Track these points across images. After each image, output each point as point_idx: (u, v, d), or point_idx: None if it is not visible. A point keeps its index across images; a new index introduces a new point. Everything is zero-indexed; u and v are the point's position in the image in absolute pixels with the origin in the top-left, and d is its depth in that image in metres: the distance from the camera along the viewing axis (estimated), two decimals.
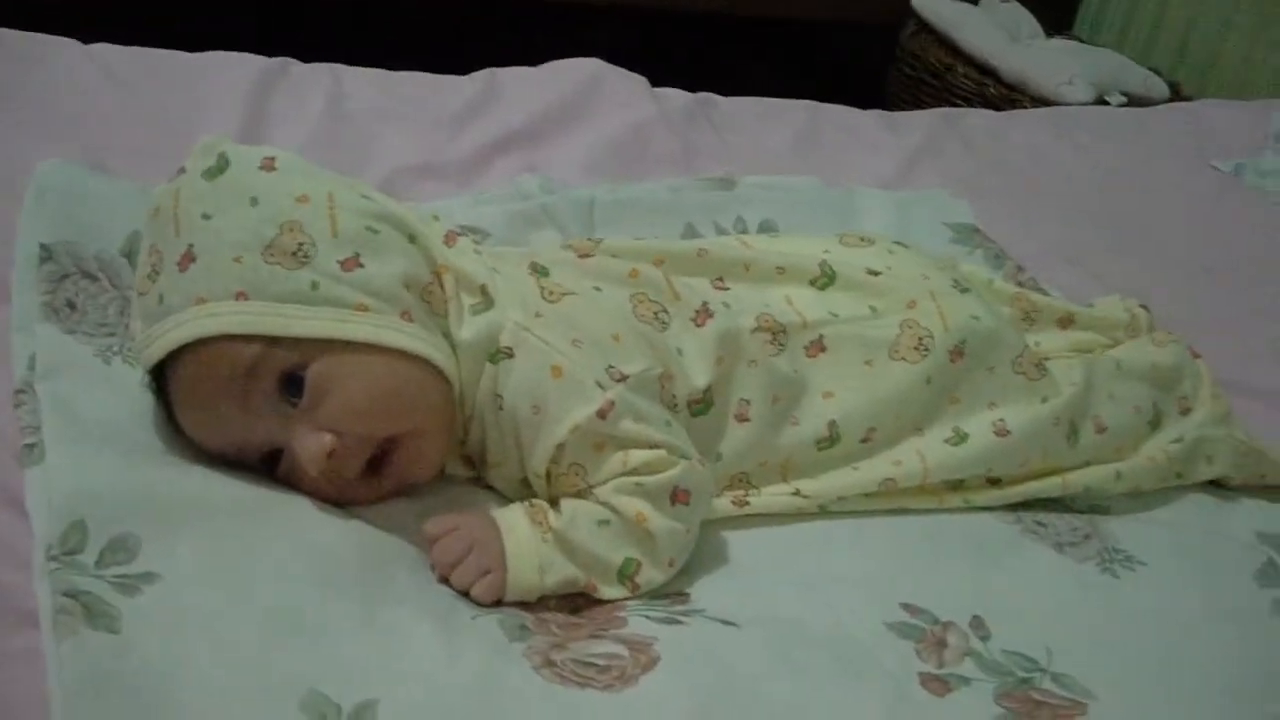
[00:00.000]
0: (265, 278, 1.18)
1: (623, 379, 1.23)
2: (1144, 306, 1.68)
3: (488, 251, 1.36)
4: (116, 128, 1.71)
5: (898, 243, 1.58)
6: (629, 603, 1.21)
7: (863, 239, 1.56)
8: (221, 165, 1.23)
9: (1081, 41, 3.58)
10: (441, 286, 1.27)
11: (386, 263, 1.23)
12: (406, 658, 1.08)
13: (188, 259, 1.19)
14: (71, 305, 1.35)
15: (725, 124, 2.11)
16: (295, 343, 1.17)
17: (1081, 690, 1.19)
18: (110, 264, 1.41)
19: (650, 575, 1.21)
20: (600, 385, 1.22)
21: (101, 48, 1.87)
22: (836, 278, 1.46)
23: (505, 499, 1.29)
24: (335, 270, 1.20)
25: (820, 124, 2.20)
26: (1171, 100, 3.17)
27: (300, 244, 1.19)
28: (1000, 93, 3.20)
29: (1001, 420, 1.42)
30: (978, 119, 2.44)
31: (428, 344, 1.21)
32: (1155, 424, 1.53)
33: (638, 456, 1.21)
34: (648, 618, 1.19)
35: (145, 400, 1.25)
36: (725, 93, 2.22)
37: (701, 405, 1.32)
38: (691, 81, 2.21)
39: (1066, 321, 1.61)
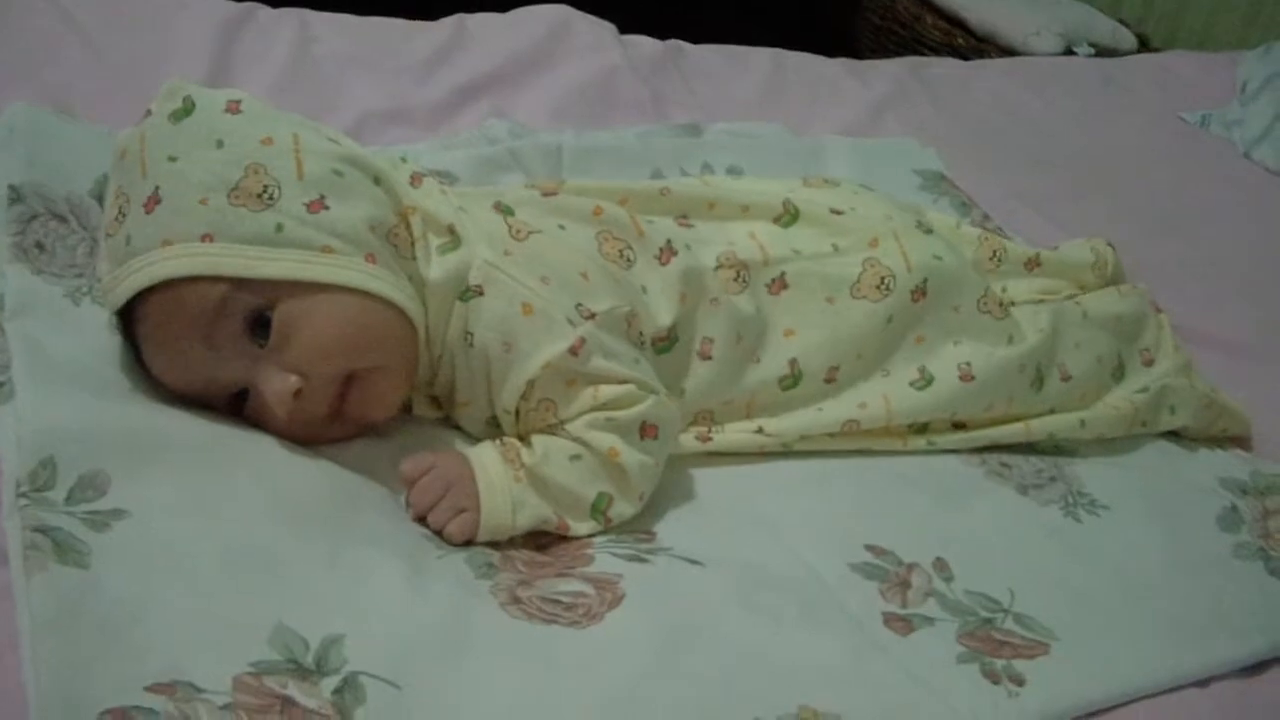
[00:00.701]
0: (231, 220, 1.18)
1: (592, 316, 1.24)
2: (1110, 245, 1.69)
3: (453, 191, 1.36)
4: (79, 72, 1.70)
5: (863, 185, 1.59)
6: (596, 539, 1.22)
7: (826, 181, 1.57)
8: (187, 108, 1.23)
9: None
10: (408, 228, 1.27)
11: (352, 206, 1.23)
12: (374, 594, 1.09)
13: (153, 201, 1.19)
14: (40, 246, 1.35)
15: (693, 71, 2.11)
16: (261, 284, 1.18)
17: (1043, 631, 1.21)
18: (79, 205, 1.40)
19: (621, 508, 1.23)
20: (571, 322, 1.23)
21: None
22: (800, 215, 1.47)
23: (473, 439, 1.30)
24: (301, 212, 1.20)
25: (787, 72, 2.20)
26: (1139, 52, 3.17)
27: (265, 186, 1.19)
28: (968, 43, 3.20)
29: (967, 364, 1.43)
30: (944, 68, 2.44)
31: (391, 285, 1.22)
32: (1118, 375, 1.55)
33: (608, 392, 1.22)
34: (614, 555, 1.20)
35: (114, 340, 1.25)
36: (691, 39, 2.21)
37: (666, 343, 1.33)
38: (656, 28, 2.20)
39: (1033, 264, 1.62)
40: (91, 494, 1.09)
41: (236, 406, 1.22)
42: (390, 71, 1.87)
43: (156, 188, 1.19)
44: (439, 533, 1.19)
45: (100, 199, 1.41)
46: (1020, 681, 1.15)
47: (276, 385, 1.18)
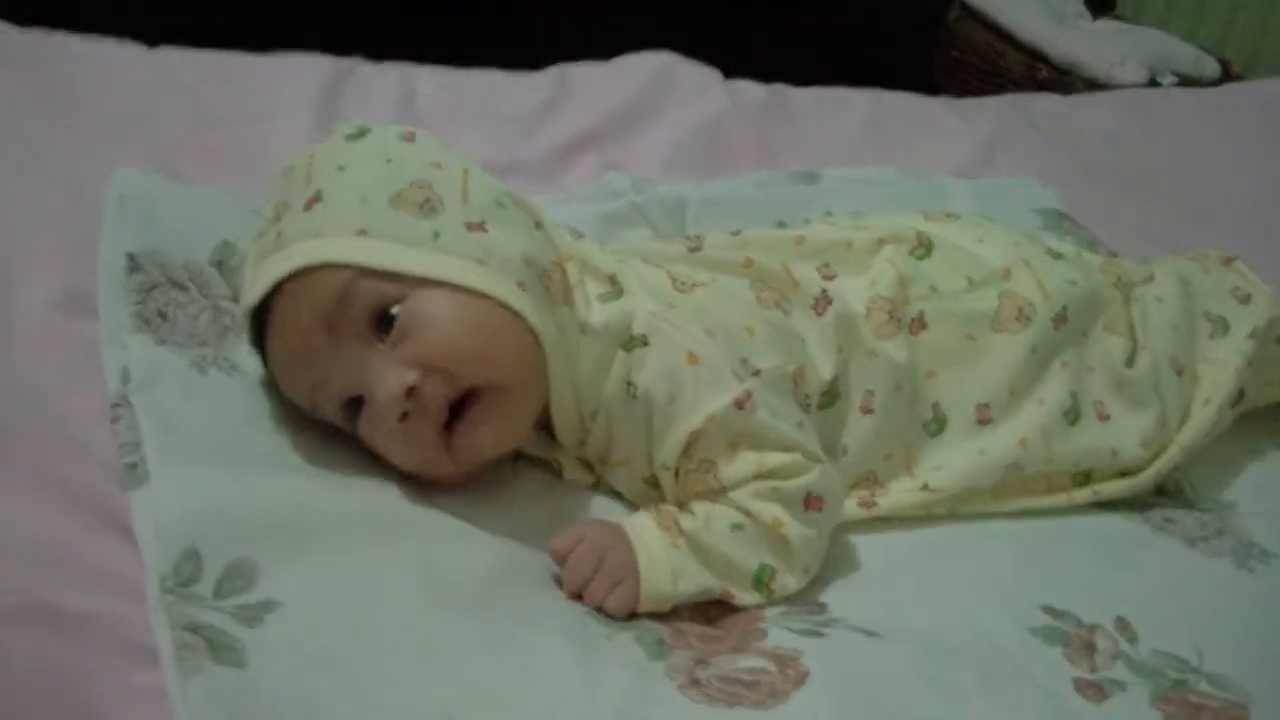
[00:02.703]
0: (388, 220, 1.17)
1: (757, 373, 1.20)
2: (1234, 258, 1.60)
3: (610, 248, 1.35)
4: (184, 132, 1.66)
5: (984, 217, 1.55)
6: (767, 613, 1.16)
7: (947, 215, 1.53)
8: (362, 132, 1.25)
9: (1126, 22, 3.52)
10: (564, 275, 1.24)
11: (511, 235, 1.21)
12: (545, 682, 1.03)
13: (314, 201, 1.18)
14: (162, 315, 1.30)
15: (798, 116, 2.06)
16: (397, 276, 1.15)
17: (1240, 691, 1.15)
18: (200, 273, 1.36)
19: (786, 581, 1.17)
20: (737, 375, 1.18)
21: (165, 51, 1.81)
22: (934, 248, 1.42)
23: (628, 505, 1.25)
24: (460, 228, 1.18)
25: (889, 113, 2.14)
26: (1223, 79, 3.10)
27: (428, 199, 1.19)
28: (1051, 76, 3.13)
29: (1100, 402, 1.38)
30: (1045, 104, 2.38)
31: (535, 313, 1.18)
32: (1222, 328, 1.47)
33: (773, 459, 1.17)
34: (789, 629, 1.14)
35: (246, 411, 1.22)
36: (764, 78, 2.16)
37: (828, 398, 1.29)
38: (727, 67, 2.15)
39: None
40: (240, 584, 1.03)
41: (349, 421, 1.18)
42: (498, 123, 1.82)
43: (319, 190, 1.19)
44: (599, 608, 1.13)
45: (220, 266, 1.37)
46: None
47: (390, 379, 1.13)
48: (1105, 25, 3.38)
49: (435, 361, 1.13)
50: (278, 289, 1.16)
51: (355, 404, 1.17)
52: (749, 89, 2.06)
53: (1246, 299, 1.50)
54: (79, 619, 1.00)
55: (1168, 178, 2.15)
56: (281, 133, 1.62)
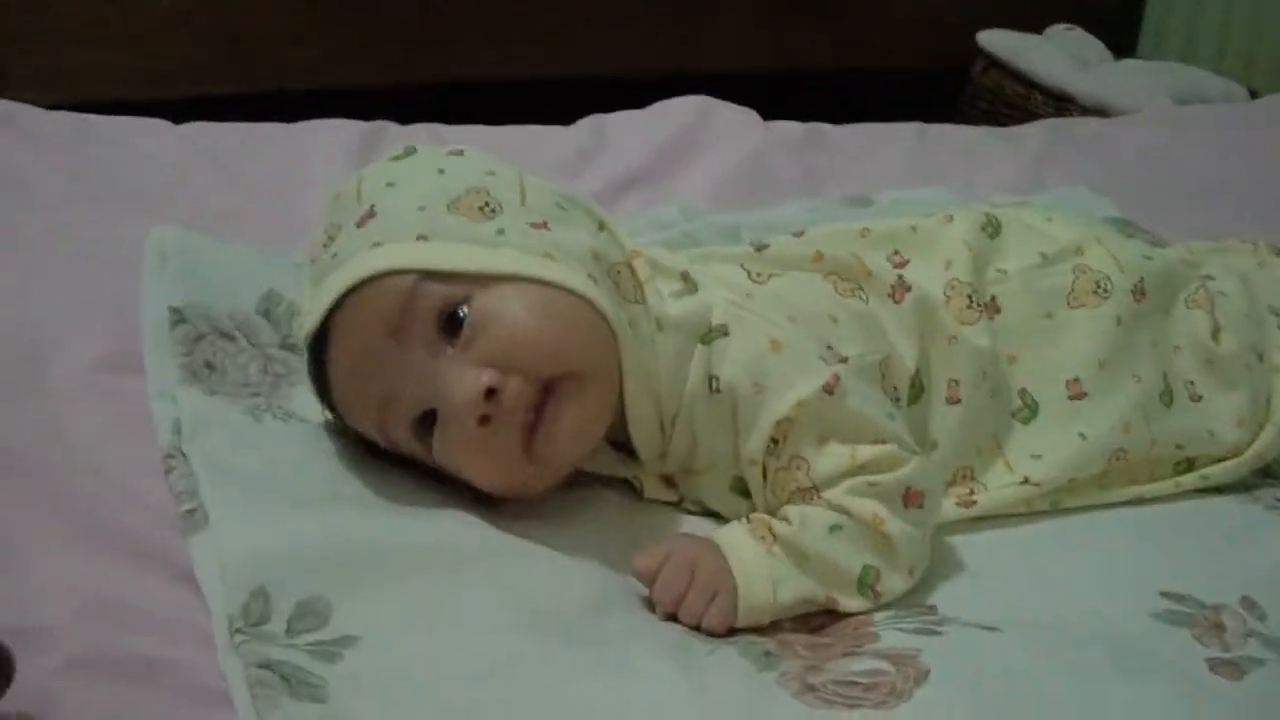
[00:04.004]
0: (448, 225, 1.13)
1: (844, 360, 1.14)
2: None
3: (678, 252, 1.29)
4: (216, 201, 1.63)
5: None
6: (876, 617, 1.08)
7: (1012, 203, 1.50)
8: (409, 152, 1.22)
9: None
10: (634, 272, 1.19)
11: (576, 234, 1.17)
12: (649, 699, 0.96)
13: (368, 217, 1.14)
14: (210, 366, 1.25)
15: (838, 149, 2.03)
16: (461, 276, 1.10)
17: None
18: (246, 322, 1.31)
19: (891, 583, 1.09)
20: (824, 360, 1.13)
21: (194, 126, 1.80)
22: (1002, 226, 1.35)
23: (716, 523, 1.17)
24: (523, 226, 1.14)
25: (934, 142, 2.11)
26: None
27: (487, 203, 1.15)
28: (1081, 117, 3.10)
29: (1191, 383, 1.31)
30: (1088, 126, 2.35)
31: (608, 303, 1.12)
32: None
33: (866, 452, 1.10)
34: (901, 630, 1.06)
35: (306, 454, 1.17)
36: None
37: (915, 390, 1.22)
38: None
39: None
40: (313, 622, 0.98)
41: (421, 442, 1.11)
42: (537, 171, 1.74)
43: (371, 206, 1.15)
44: (695, 626, 1.06)
45: (267, 314, 1.33)
46: None
47: (466, 383, 1.07)
48: (1129, 65, 3.35)
49: (510, 358, 1.08)
50: (337, 307, 1.11)
51: (426, 422, 1.10)
52: (788, 127, 2.04)
53: None
54: (147, 666, 0.95)
55: (1221, 187, 2.10)
56: (315, 196, 1.57)
